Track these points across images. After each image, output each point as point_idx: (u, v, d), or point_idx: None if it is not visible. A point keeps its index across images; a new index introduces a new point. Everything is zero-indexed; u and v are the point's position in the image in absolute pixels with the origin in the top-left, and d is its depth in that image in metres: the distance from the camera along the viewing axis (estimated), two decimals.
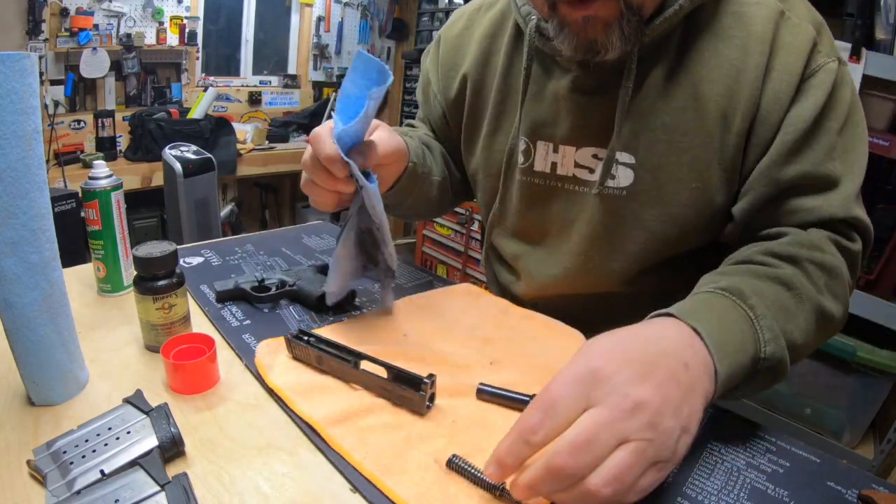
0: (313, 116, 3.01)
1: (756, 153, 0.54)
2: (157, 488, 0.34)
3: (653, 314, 0.43)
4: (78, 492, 0.34)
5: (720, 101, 0.53)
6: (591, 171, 0.61)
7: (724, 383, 0.39)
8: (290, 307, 0.63)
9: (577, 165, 0.61)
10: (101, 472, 0.35)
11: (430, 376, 0.44)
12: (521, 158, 0.65)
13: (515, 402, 0.46)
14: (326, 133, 0.48)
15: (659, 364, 0.35)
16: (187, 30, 2.55)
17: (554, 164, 0.63)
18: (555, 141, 0.62)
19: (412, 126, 0.79)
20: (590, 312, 0.61)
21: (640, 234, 0.59)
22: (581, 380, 0.34)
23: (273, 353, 0.51)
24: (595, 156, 0.60)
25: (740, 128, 0.53)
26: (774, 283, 0.47)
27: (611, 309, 0.42)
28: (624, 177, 0.58)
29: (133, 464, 0.36)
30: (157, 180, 2.21)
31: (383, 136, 0.55)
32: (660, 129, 0.55)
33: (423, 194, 0.68)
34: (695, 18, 0.53)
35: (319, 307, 0.62)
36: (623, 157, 0.57)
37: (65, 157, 2.15)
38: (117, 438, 0.38)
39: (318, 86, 3.18)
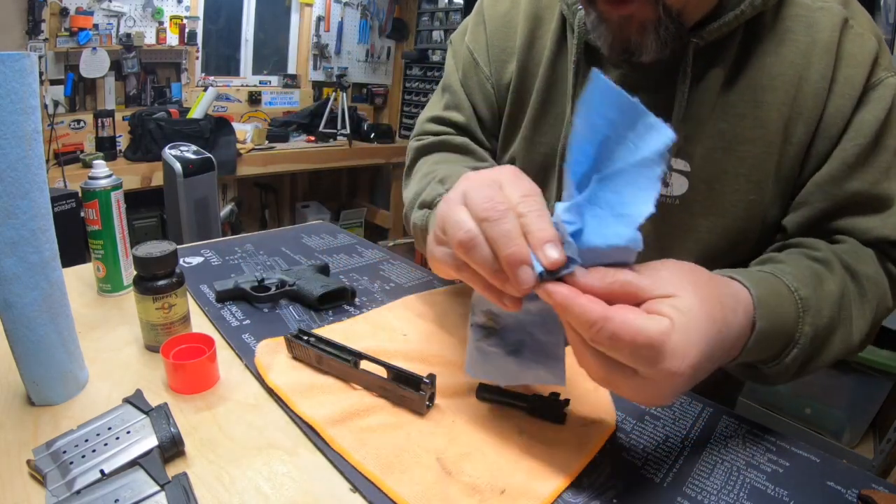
0: (313, 116, 3.01)
1: (813, 166, 0.52)
2: (157, 488, 0.34)
3: (742, 276, 0.41)
4: (78, 491, 0.34)
5: (782, 109, 0.51)
6: None
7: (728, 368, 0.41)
8: (290, 307, 0.63)
9: None
10: (101, 471, 0.35)
11: (430, 376, 0.44)
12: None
13: (515, 401, 0.46)
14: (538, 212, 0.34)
15: (713, 360, 0.36)
16: (187, 30, 2.55)
17: None
18: None
19: (452, 135, 0.67)
20: None
21: (691, 245, 0.57)
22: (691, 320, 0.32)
23: (273, 353, 0.51)
24: None
25: (802, 139, 0.51)
26: (835, 303, 0.46)
27: None
28: (678, 185, 0.56)
29: (133, 464, 0.36)
30: (157, 180, 2.21)
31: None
32: (717, 136, 0.53)
33: None
34: (757, 21, 0.51)
35: (319, 307, 0.62)
36: (678, 163, 0.55)
37: (65, 157, 2.15)
38: (117, 438, 0.38)
39: (317, 86, 3.18)
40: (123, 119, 2.40)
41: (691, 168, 0.55)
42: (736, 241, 0.56)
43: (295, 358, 0.51)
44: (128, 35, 2.35)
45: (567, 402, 0.45)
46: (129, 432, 0.38)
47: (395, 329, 0.58)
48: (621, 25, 0.48)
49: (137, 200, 2.34)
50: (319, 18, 3.04)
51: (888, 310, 0.51)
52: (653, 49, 0.48)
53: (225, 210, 2.52)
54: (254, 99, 2.92)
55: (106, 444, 0.37)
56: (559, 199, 0.58)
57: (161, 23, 2.46)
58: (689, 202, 0.56)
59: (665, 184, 0.56)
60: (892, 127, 0.50)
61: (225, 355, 0.52)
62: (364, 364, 0.47)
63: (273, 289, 0.63)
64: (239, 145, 2.52)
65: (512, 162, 0.66)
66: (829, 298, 0.45)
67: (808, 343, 0.43)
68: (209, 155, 2.04)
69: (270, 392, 0.47)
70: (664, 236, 0.58)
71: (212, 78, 2.75)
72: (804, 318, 0.43)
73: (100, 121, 2.31)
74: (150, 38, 2.44)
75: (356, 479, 0.38)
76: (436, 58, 3.16)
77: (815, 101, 0.50)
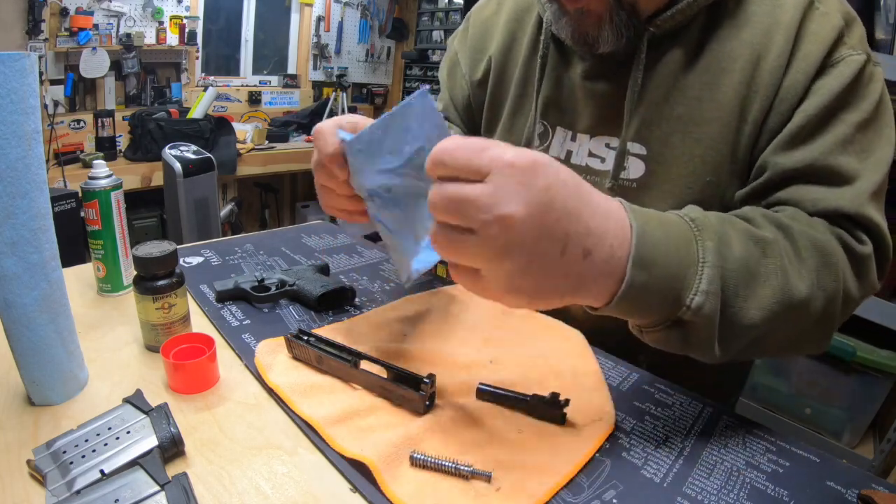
0: (313, 116, 3.01)
1: (764, 142, 0.51)
2: (157, 488, 0.34)
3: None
4: (78, 491, 0.34)
5: (739, 88, 0.51)
6: (603, 160, 0.60)
7: (625, 296, 0.36)
8: (290, 307, 0.63)
9: (590, 155, 0.61)
10: (101, 471, 0.35)
11: (430, 376, 0.44)
12: (537, 142, 0.64)
13: (515, 401, 0.46)
14: (330, 129, 0.46)
15: (566, 232, 0.33)
16: (187, 29, 2.55)
17: (569, 153, 0.62)
18: (574, 129, 0.62)
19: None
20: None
21: None
22: (515, 170, 0.32)
23: (273, 353, 0.51)
24: (608, 145, 0.59)
25: (757, 117, 0.51)
26: (752, 243, 0.42)
27: None
28: (635, 169, 0.57)
29: (133, 463, 0.36)
30: (157, 180, 2.21)
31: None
32: (674, 121, 0.54)
33: None
34: (719, 5, 0.51)
35: (319, 307, 0.62)
36: (634, 147, 0.56)
37: (65, 157, 2.15)
38: (117, 438, 0.38)
39: (317, 85, 3.18)
40: (123, 119, 2.40)
41: (648, 151, 0.56)
42: None
43: (295, 358, 0.51)
44: (128, 35, 2.35)
45: (567, 402, 0.45)
46: (129, 432, 0.38)
47: (395, 329, 0.58)
48: (578, 18, 0.50)
49: (137, 200, 2.34)
50: (319, 18, 3.04)
51: (849, 283, 0.45)
52: (610, 40, 0.51)
53: (225, 210, 2.52)
54: (254, 99, 2.92)
55: (106, 444, 0.37)
56: None
57: (161, 23, 2.46)
58: (647, 185, 0.57)
59: (623, 167, 0.57)
60: (854, 103, 0.48)
61: (225, 355, 0.52)
62: (364, 364, 0.47)
63: (273, 289, 0.63)
64: (239, 145, 2.52)
65: None
66: (741, 235, 0.42)
67: (716, 261, 0.38)
68: (209, 155, 2.04)
69: (270, 392, 0.47)
70: None
71: (212, 78, 2.75)
72: (701, 234, 0.39)
73: (100, 121, 2.31)
74: (150, 38, 2.44)
75: (356, 478, 0.38)
76: (436, 58, 3.16)
77: (771, 78, 0.50)
